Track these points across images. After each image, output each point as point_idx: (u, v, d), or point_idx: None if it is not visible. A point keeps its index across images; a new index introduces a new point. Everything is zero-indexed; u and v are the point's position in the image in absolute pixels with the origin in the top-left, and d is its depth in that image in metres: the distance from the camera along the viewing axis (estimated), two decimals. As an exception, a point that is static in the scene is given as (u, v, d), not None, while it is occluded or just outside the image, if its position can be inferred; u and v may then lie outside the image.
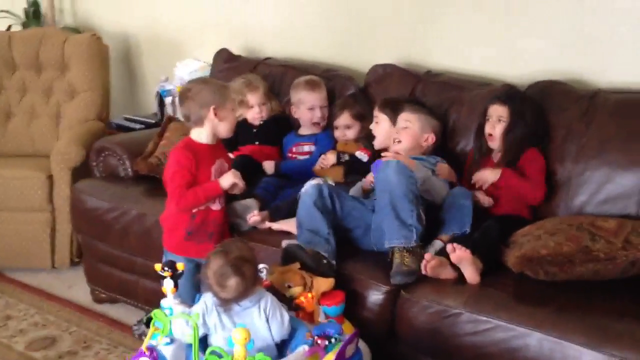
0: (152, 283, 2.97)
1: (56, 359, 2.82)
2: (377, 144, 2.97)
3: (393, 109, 2.91)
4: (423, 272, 2.32)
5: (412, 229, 2.37)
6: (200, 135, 2.55)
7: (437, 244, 2.48)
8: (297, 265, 2.36)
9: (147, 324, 2.87)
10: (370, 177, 2.76)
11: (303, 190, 2.63)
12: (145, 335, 2.87)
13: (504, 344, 2.10)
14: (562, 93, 2.77)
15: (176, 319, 2.06)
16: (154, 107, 4.06)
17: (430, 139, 2.82)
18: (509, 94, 2.73)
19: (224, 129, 2.56)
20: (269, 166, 3.10)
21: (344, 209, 2.58)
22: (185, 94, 2.55)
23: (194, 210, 2.56)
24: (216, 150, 2.60)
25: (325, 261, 2.41)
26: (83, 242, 3.25)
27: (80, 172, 3.46)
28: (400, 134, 2.80)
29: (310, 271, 2.34)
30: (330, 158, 3.00)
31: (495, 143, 2.72)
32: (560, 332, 2.03)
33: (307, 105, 3.21)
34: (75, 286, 3.41)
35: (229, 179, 2.54)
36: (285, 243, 2.54)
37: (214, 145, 2.59)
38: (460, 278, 2.33)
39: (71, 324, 3.08)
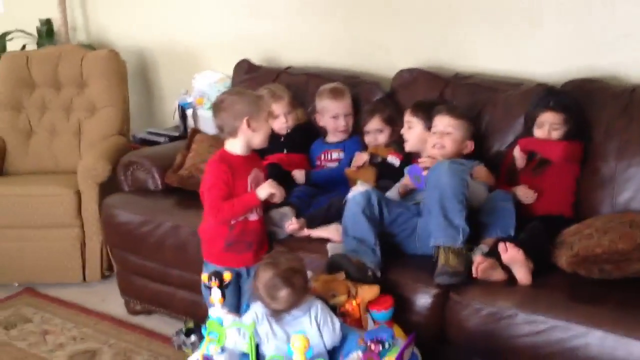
0: (189, 293, 2.96)
1: (99, 372, 2.82)
2: (409, 147, 2.93)
3: (426, 113, 2.88)
4: (474, 274, 2.29)
5: (459, 230, 2.34)
6: (235, 146, 2.53)
7: (483, 248, 2.45)
8: (342, 275, 2.33)
9: (187, 334, 2.87)
10: (406, 180, 2.73)
11: (350, 195, 2.58)
12: (185, 345, 2.87)
13: (563, 343, 2.07)
14: (598, 90, 2.75)
15: (229, 329, 2.02)
16: (172, 120, 4.05)
17: (470, 145, 2.78)
18: (562, 101, 2.67)
19: (258, 140, 2.53)
20: (299, 175, 3.07)
21: (392, 216, 2.55)
22: (219, 105, 2.53)
23: (232, 222, 2.52)
24: (251, 161, 2.58)
25: (370, 273, 2.37)
26: (116, 255, 3.22)
27: (107, 187, 3.45)
28: (444, 140, 2.73)
29: (355, 282, 2.31)
30: (364, 156, 2.97)
31: None
32: (621, 329, 2.01)
33: (330, 114, 3.19)
34: (108, 299, 3.40)
35: (266, 190, 2.51)
36: (331, 247, 2.51)
37: (249, 155, 2.56)
38: (510, 279, 2.29)
39: (109, 336, 3.06)
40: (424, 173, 2.57)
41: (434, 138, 2.76)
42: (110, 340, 3.02)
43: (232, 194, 2.49)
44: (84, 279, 3.53)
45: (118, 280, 3.29)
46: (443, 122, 2.76)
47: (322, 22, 3.63)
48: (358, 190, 2.57)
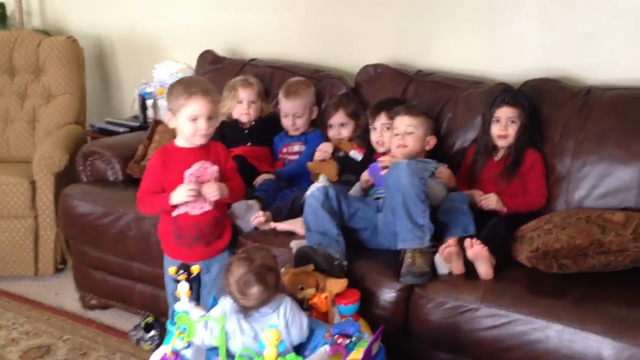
0: (148, 287, 2.93)
1: (55, 367, 2.77)
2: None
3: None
4: (439, 253, 2.35)
5: (425, 230, 2.39)
6: (179, 137, 2.49)
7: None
8: (311, 266, 2.34)
9: (146, 329, 2.85)
10: (365, 176, 2.77)
11: (308, 192, 2.61)
12: (144, 340, 2.85)
13: (524, 336, 2.14)
14: (555, 90, 2.83)
15: (197, 323, 2.01)
16: (131, 110, 4.00)
17: (432, 141, 2.84)
18: (515, 95, 2.77)
19: (183, 137, 2.45)
20: (268, 177, 3.05)
21: (350, 210, 2.57)
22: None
23: (174, 215, 2.48)
24: (199, 154, 2.46)
25: (337, 262, 2.40)
26: (73, 248, 3.16)
27: (62, 178, 3.39)
28: (406, 139, 2.79)
29: (323, 272, 2.33)
30: (328, 145, 3.00)
31: (506, 142, 2.75)
32: (579, 322, 2.07)
33: (282, 112, 3.22)
34: (62, 293, 3.33)
35: (180, 195, 2.38)
36: (294, 244, 2.52)
37: (197, 148, 2.46)
38: (472, 273, 2.35)
39: (64, 331, 3.00)
40: (382, 173, 2.61)
41: (396, 140, 2.81)
42: (65, 335, 2.97)
43: (163, 186, 2.44)
44: (36, 272, 3.45)
45: (74, 273, 3.23)
46: (403, 123, 2.82)
47: (288, 15, 3.63)
48: (315, 187, 2.61)
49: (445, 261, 2.37)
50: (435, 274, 2.37)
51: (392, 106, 2.93)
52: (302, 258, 2.40)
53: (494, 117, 2.76)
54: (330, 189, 2.57)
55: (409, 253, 2.37)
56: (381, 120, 2.92)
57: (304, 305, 2.28)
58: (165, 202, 2.41)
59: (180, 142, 2.47)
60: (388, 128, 2.90)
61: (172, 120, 2.44)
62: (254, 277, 1.98)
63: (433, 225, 2.41)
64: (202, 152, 2.47)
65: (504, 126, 2.73)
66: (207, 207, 2.50)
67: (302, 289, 2.30)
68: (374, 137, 2.95)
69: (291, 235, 2.64)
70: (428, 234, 2.38)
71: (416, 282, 2.34)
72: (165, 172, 2.44)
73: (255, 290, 1.99)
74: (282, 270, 2.28)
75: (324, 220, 2.50)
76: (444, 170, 2.74)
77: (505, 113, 2.73)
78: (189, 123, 2.39)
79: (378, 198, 2.67)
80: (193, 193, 2.38)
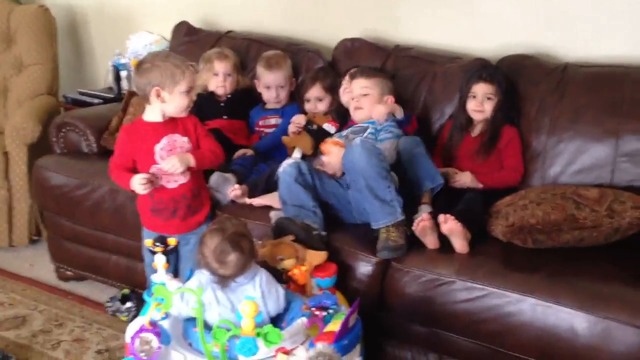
0: (124, 259, 2.93)
1: (30, 337, 2.74)
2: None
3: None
4: (413, 228, 2.36)
5: (394, 204, 2.39)
6: (149, 112, 2.48)
7: (424, 208, 2.51)
8: (291, 237, 2.34)
9: (122, 301, 2.84)
10: (324, 158, 2.73)
11: (281, 169, 2.61)
12: (120, 312, 2.84)
13: (498, 309, 2.17)
14: (532, 67, 2.85)
15: (174, 295, 2.01)
16: (104, 81, 3.94)
17: (390, 100, 2.83)
18: (492, 72, 2.78)
19: (170, 110, 2.46)
20: (247, 153, 3.02)
21: (322, 185, 2.58)
22: (138, 67, 2.45)
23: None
24: (167, 128, 2.48)
25: (315, 232, 2.41)
26: (47, 220, 3.13)
27: (35, 149, 3.34)
28: (361, 101, 2.81)
29: (303, 243, 2.34)
30: (301, 117, 2.99)
31: (481, 117, 2.76)
32: (552, 296, 2.11)
33: (263, 84, 3.19)
34: (37, 264, 3.33)
35: (135, 187, 2.41)
36: (274, 214, 2.52)
37: (165, 122, 2.47)
38: (447, 247, 2.37)
39: (39, 302, 2.99)
40: (324, 158, 2.64)
41: (353, 103, 2.83)
42: (40, 306, 2.96)
43: (135, 160, 2.46)
44: (10, 243, 3.43)
45: (49, 245, 3.21)
46: (359, 85, 2.83)
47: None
48: (287, 163, 2.61)
49: (420, 236, 2.39)
50: (410, 247, 2.38)
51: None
52: (281, 230, 2.40)
53: (470, 92, 2.77)
54: (302, 163, 2.59)
55: (384, 228, 2.38)
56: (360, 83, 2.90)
57: (282, 276, 2.29)
58: (127, 184, 2.44)
59: (151, 116, 2.46)
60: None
61: (163, 96, 2.40)
62: (229, 245, 2.00)
63: (401, 198, 2.41)
64: (171, 125, 2.49)
65: (480, 102, 2.74)
66: (183, 180, 2.50)
67: (281, 260, 2.31)
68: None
69: (269, 208, 2.64)
70: (398, 207, 2.39)
71: (393, 255, 2.36)
72: (134, 148, 2.45)
73: (232, 257, 2.00)
74: (261, 242, 2.27)
75: (299, 194, 2.50)
76: (378, 108, 2.74)
77: (481, 89, 2.74)
78: (185, 97, 2.42)
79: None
80: (145, 186, 2.40)
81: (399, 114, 2.78)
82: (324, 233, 2.44)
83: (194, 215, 2.56)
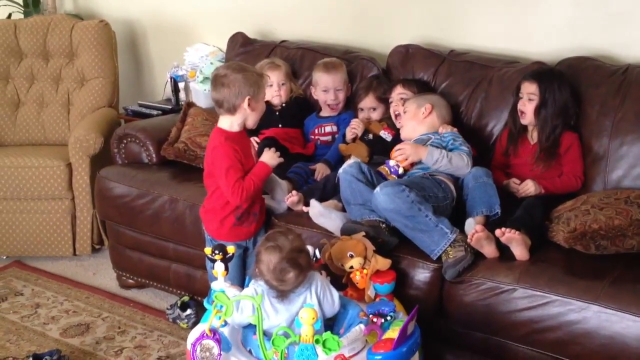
0: (184, 267, 2.97)
1: (94, 344, 2.81)
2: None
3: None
4: (468, 240, 2.33)
5: (440, 227, 2.36)
6: (232, 123, 2.49)
7: (470, 222, 2.47)
8: (361, 234, 2.36)
9: (182, 308, 2.89)
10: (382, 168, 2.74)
11: (341, 170, 2.63)
12: (180, 319, 2.89)
13: (561, 317, 2.12)
14: (592, 69, 2.78)
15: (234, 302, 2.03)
16: (163, 93, 4.02)
17: (426, 108, 2.80)
18: (538, 71, 2.73)
19: (252, 120, 2.51)
20: (322, 169, 2.99)
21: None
22: (220, 79, 2.45)
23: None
24: (246, 136, 2.59)
25: (383, 225, 2.42)
26: (109, 229, 3.21)
27: (97, 160, 3.44)
28: (400, 121, 2.87)
29: (373, 240, 2.34)
30: (359, 123, 2.99)
31: (526, 120, 2.72)
32: (617, 303, 2.06)
33: (321, 87, 3.20)
34: (99, 273, 3.41)
35: (270, 155, 2.55)
36: (314, 204, 2.57)
37: (243, 131, 2.55)
38: (508, 255, 2.33)
39: (102, 310, 3.07)
40: (400, 170, 2.66)
41: (392, 107, 2.99)
42: (103, 313, 3.03)
43: (245, 171, 2.49)
44: (74, 252, 3.51)
45: (111, 254, 3.28)
46: (396, 92, 2.99)
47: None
48: (347, 164, 2.64)
49: (476, 247, 2.35)
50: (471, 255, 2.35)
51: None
52: (349, 233, 2.41)
53: (519, 92, 2.73)
54: (362, 164, 2.61)
55: (442, 254, 2.36)
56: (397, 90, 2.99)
57: (342, 280, 2.29)
58: (264, 167, 2.53)
59: (234, 126, 2.49)
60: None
61: (254, 105, 2.46)
62: (288, 264, 2.00)
63: (444, 217, 2.40)
64: (246, 135, 2.59)
65: (524, 102, 2.69)
66: None
67: (351, 256, 2.32)
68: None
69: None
70: (445, 228, 2.36)
71: (458, 270, 2.31)
72: (241, 156, 2.48)
73: (291, 275, 2.01)
74: (326, 246, 2.28)
75: (362, 190, 2.52)
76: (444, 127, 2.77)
77: (526, 89, 2.69)
78: (264, 104, 2.55)
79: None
80: (278, 154, 2.57)
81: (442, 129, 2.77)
82: (392, 225, 2.44)
83: (262, 216, 2.63)
